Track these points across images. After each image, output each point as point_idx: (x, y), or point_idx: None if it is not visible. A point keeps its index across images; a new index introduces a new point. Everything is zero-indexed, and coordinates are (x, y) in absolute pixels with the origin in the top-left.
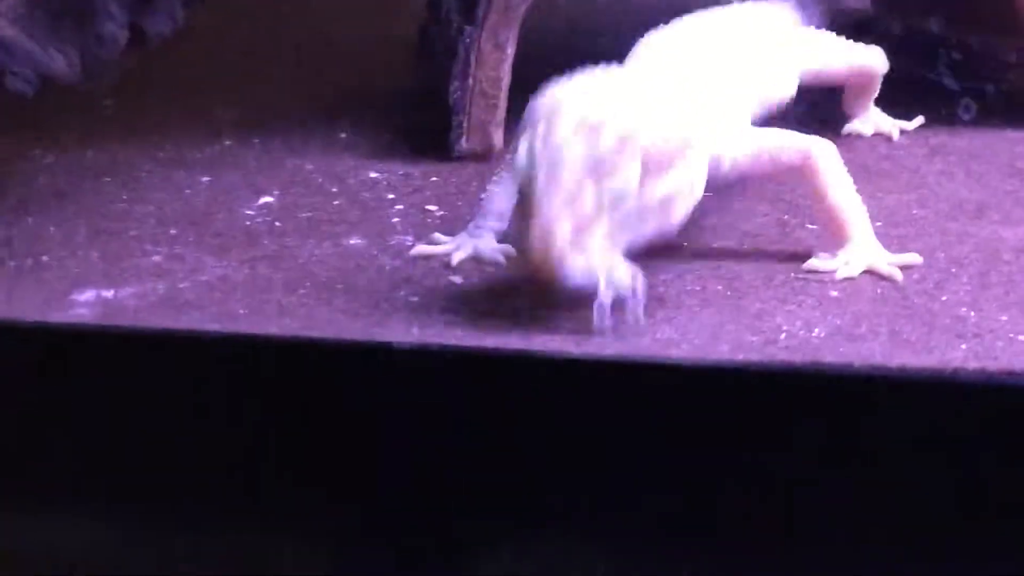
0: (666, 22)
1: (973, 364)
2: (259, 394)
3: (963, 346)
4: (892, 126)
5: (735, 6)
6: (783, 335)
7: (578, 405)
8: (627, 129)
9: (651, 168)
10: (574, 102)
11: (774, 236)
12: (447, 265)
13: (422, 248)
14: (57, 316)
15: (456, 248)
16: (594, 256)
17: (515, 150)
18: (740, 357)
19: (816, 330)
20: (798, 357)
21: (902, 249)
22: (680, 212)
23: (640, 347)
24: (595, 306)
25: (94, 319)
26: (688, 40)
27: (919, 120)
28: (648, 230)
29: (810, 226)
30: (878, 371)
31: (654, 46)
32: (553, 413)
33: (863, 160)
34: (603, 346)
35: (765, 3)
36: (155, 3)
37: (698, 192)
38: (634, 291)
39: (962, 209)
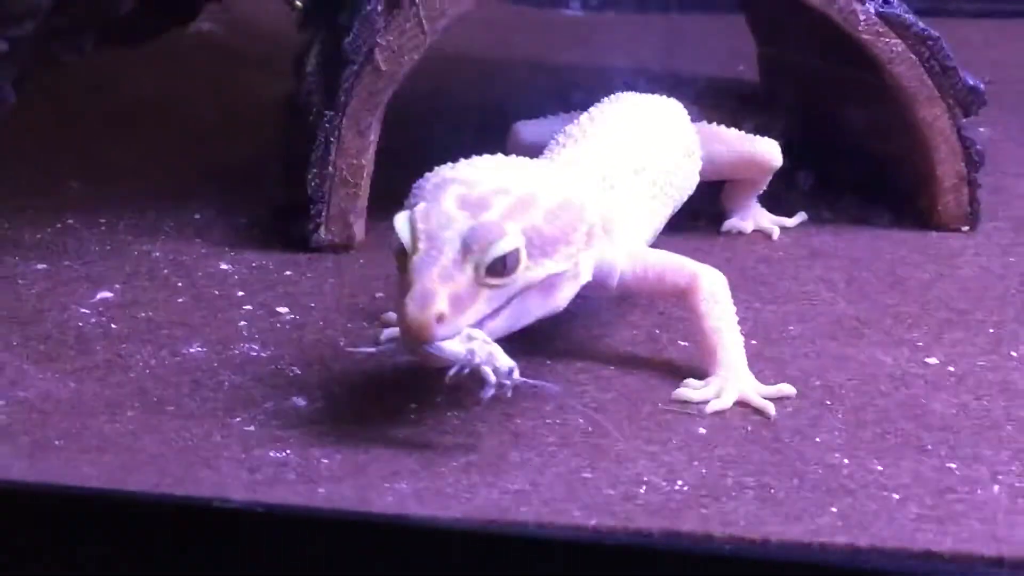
0: (541, 110)
1: (841, 537)
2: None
3: (833, 508)
4: (772, 224)
5: (624, 97)
6: (643, 488)
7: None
8: (514, 201)
9: (535, 248)
10: (461, 176)
11: (644, 353)
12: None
13: (389, 332)
14: None
15: None
16: (466, 327)
17: (394, 223)
18: (592, 522)
19: (679, 482)
20: (656, 522)
21: (776, 373)
22: (566, 294)
23: (488, 503)
24: (454, 370)
25: None
26: (592, 132)
27: (801, 217)
28: (531, 311)
29: (682, 343)
30: (740, 545)
31: (560, 136)
32: None
33: (741, 263)
34: (445, 505)
35: (651, 96)
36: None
37: (584, 277)
38: (508, 372)
39: (841, 326)
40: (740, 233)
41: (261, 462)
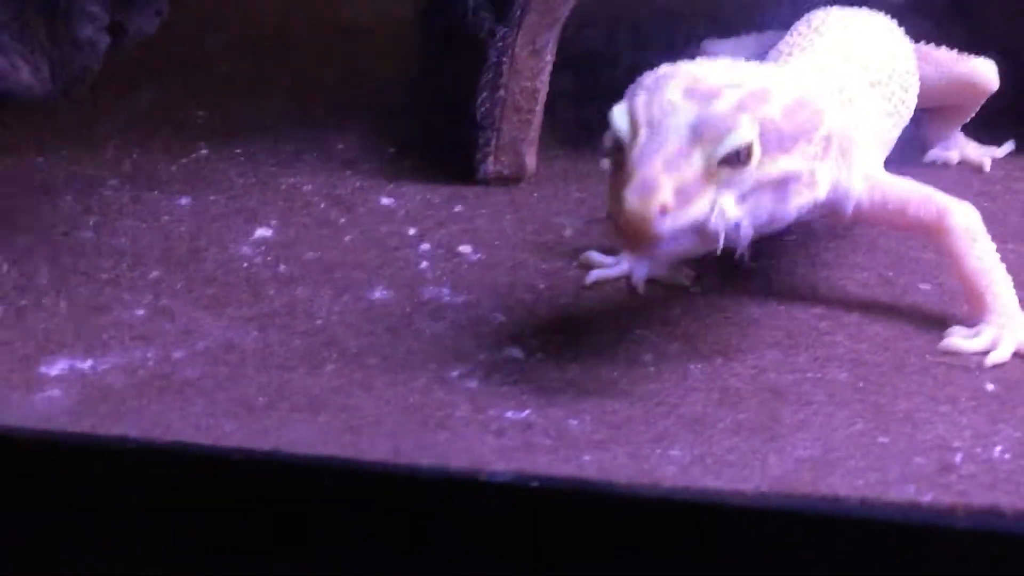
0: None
1: None
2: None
3: None
4: (982, 154)
5: (833, 12)
6: (958, 456)
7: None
8: (747, 94)
9: (771, 142)
10: (687, 68)
11: (884, 298)
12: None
13: (597, 274)
14: (24, 401)
15: (631, 269)
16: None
17: (611, 115)
18: (927, 498)
19: (996, 448)
20: (999, 497)
21: None
22: (798, 202)
23: (785, 473)
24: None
25: (72, 405)
26: (820, 42)
27: (1010, 145)
28: (760, 213)
29: (922, 286)
30: None
31: (783, 46)
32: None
33: (958, 197)
34: (739, 476)
35: (862, 10)
36: None
37: (820, 192)
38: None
39: None
40: (945, 165)
41: (503, 424)
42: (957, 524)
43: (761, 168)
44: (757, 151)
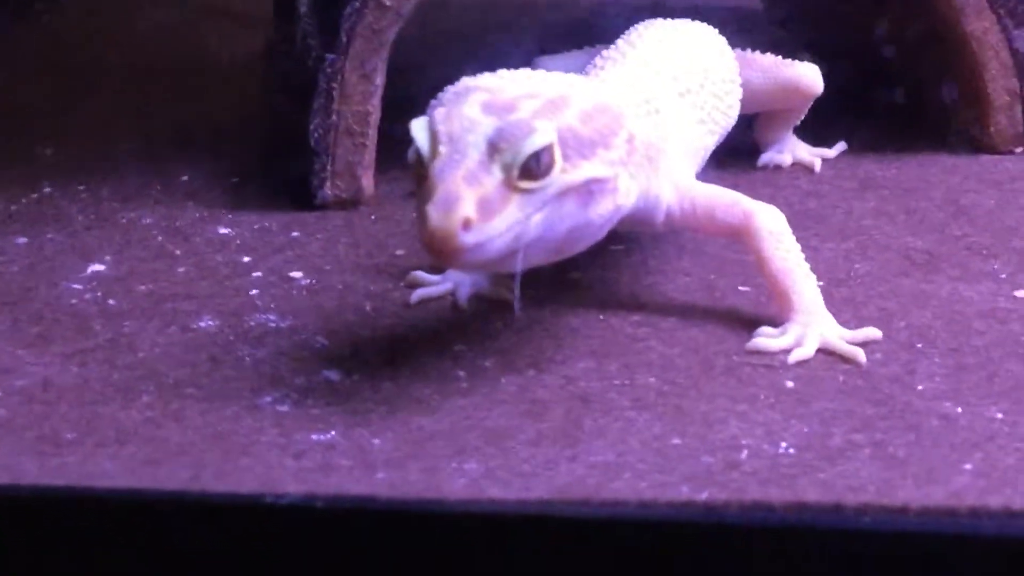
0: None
1: (994, 498)
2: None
3: (967, 465)
4: (813, 155)
5: (657, 23)
6: (744, 453)
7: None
8: (544, 103)
9: (570, 148)
10: (486, 82)
11: (702, 302)
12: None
13: (422, 292)
14: None
15: (455, 286)
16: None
17: (410, 128)
18: (703, 496)
19: (783, 444)
20: (773, 492)
21: (853, 316)
22: (602, 210)
23: (573, 480)
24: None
25: None
26: (632, 54)
27: (841, 146)
28: (565, 222)
29: (741, 288)
30: (877, 515)
31: (598, 59)
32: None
33: (787, 199)
34: (526, 485)
35: (685, 21)
36: None
37: (625, 200)
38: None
39: (912, 261)
40: (778, 167)
41: (305, 446)
42: (728, 520)
43: (563, 175)
44: (558, 158)
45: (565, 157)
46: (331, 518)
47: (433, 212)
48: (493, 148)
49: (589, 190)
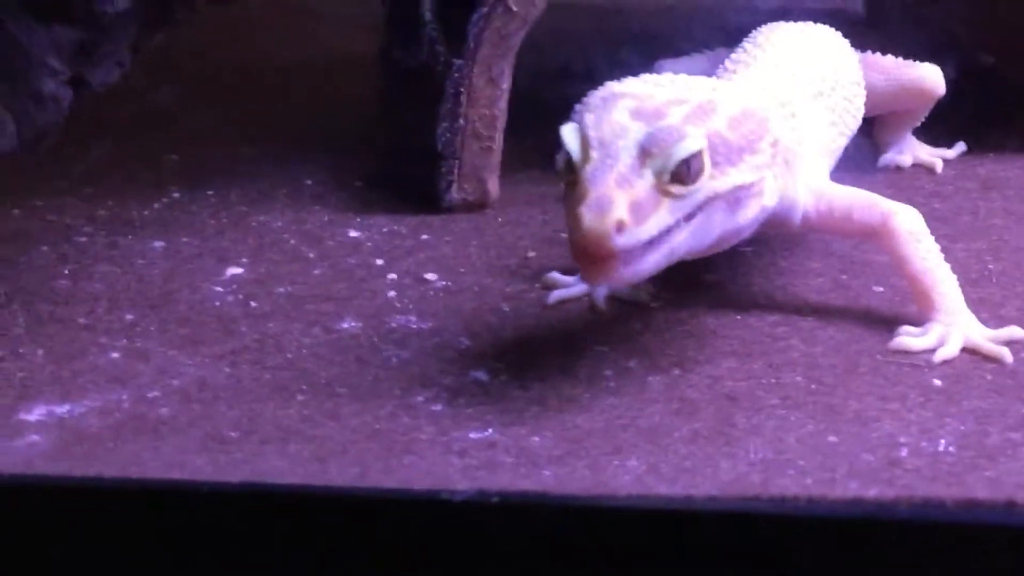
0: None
1: None
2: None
3: None
4: (934, 156)
5: (780, 26)
6: (904, 451)
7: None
8: (693, 108)
9: (719, 155)
10: (633, 87)
11: (838, 302)
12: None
13: (559, 294)
14: (5, 448)
15: (592, 288)
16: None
17: (561, 133)
18: (871, 493)
19: (942, 443)
20: (941, 489)
21: (991, 316)
22: (749, 214)
23: (736, 477)
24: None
25: (50, 450)
26: (763, 57)
27: (961, 147)
28: (715, 228)
29: (876, 288)
30: None
31: (729, 63)
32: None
33: (909, 200)
34: (691, 482)
35: (807, 24)
36: (99, 49)
37: (768, 200)
38: None
39: None
40: (899, 169)
41: (465, 444)
42: (900, 516)
43: (712, 181)
44: (707, 163)
45: (714, 164)
46: (504, 513)
47: (587, 214)
48: (644, 153)
49: (737, 196)
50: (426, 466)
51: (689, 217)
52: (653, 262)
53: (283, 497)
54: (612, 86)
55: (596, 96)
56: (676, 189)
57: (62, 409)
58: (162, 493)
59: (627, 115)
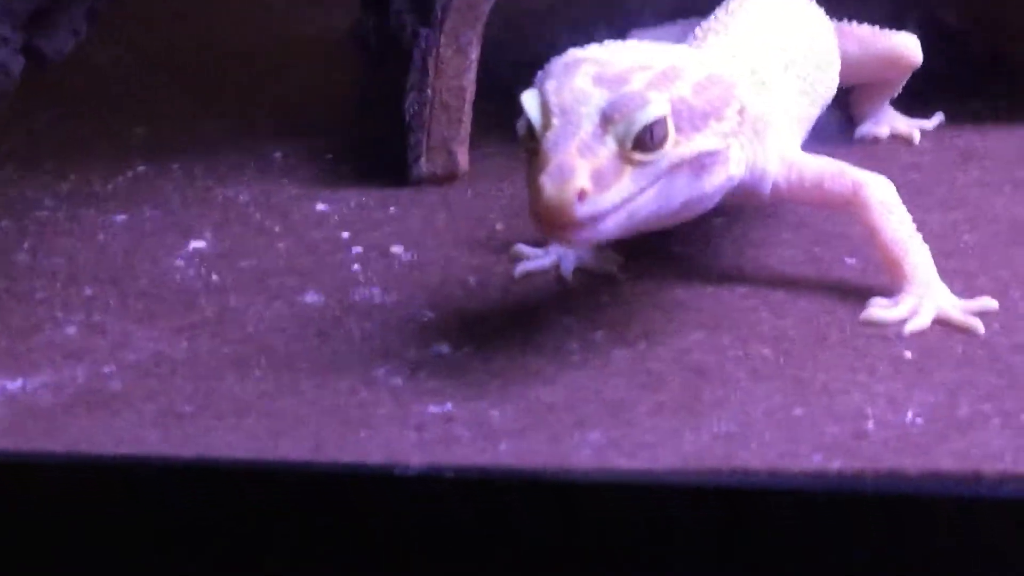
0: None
1: None
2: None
3: None
4: (911, 127)
5: None
6: (870, 423)
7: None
8: (656, 74)
9: (683, 120)
10: (595, 54)
11: (809, 274)
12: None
13: (525, 266)
14: None
15: (559, 259)
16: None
17: (521, 100)
18: (835, 465)
19: (909, 414)
20: (906, 460)
21: (965, 287)
22: (714, 181)
23: (699, 449)
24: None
25: (0, 424)
26: (734, 25)
27: (939, 117)
28: (678, 195)
29: (848, 259)
30: (1020, 484)
31: (698, 31)
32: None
33: (887, 171)
34: (653, 455)
35: None
36: (53, 18)
37: (736, 170)
38: None
39: (1022, 231)
40: (876, 140)
41: (423, 418)
42: (864, 488)
43: (676, 148)
44: (671, 130)
45: (678, 129)
46: (458, 488)
47: (548, 183)
48: (606, 120)
49: (702, 162)
50: (382, 440)
51: (652, 185)
52: (614, 223)
53: (233, 472)
54: (574, 52)
55: (558, 62)
56: (639, 156)
57: (14, 385)
58: (111, 469)
59: (589, 81)
